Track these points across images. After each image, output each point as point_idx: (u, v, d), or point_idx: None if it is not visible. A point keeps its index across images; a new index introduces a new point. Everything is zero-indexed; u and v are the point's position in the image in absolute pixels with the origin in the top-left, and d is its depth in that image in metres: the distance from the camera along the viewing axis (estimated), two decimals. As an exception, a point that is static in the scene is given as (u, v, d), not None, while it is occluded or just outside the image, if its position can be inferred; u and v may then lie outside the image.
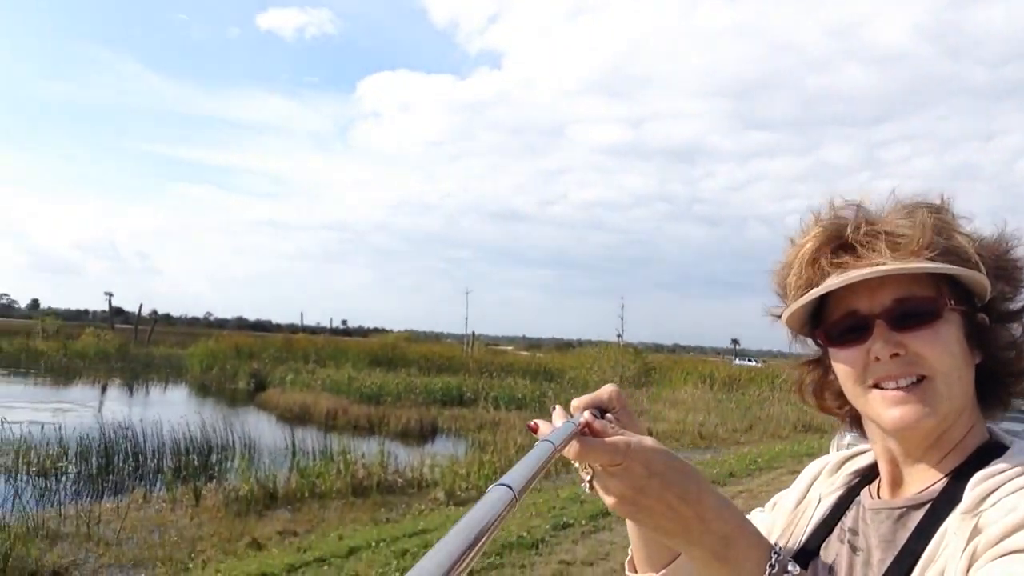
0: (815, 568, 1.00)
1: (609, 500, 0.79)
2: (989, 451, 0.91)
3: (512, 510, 0.60)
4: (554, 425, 0.80)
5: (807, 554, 1.02)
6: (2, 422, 13.04)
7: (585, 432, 0.78)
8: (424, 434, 17.88)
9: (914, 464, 0.95)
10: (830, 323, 0.96)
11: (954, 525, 0.84)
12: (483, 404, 22.02)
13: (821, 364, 1.03)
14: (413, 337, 52.43)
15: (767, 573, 0.78)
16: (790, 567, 0.79)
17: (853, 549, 0.97)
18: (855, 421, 1.03)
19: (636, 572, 1.04)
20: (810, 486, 1.12)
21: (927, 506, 0.90)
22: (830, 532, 1.02)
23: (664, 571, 1.00)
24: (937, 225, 0.91)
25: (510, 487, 0.61)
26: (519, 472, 0.64)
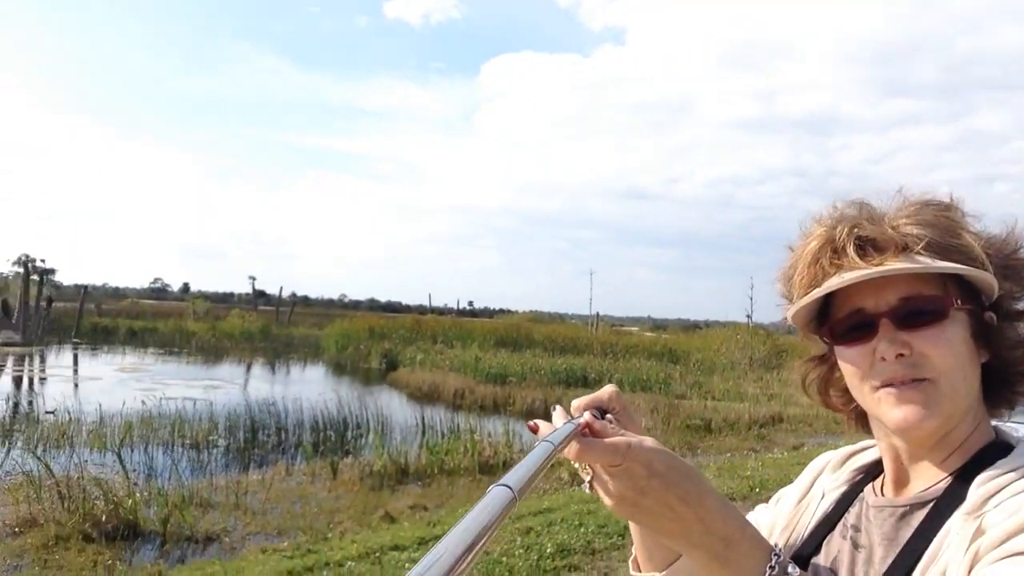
0: (817, 564, 1.00)
1: (609, 501, 0.78)
2: (994, 450, 0.91)
3: (512, 510, 0.60)
4: (555, 425, 0.80)
5: (810, 550, 1.02)
6: (160, 398, 14.12)
7: (585, 433, 0.78)
8: (549, 415, 18.00)
9: (918, 462, 0.95)
10: (836, 321, 0.95)
11: (957, 526, 0.83)
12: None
13: (827, 361, 1.03)
14: (537, 318, 52.84)
15: (767, 575, 0.76)
16: (790, 569, 0.77)
17: (855, 546, 0.97)
18: (861, 418, 1.03)
19: (640, 571, 1.04)
20: (814, 481, 1.12)
21: (930, 505, 0.90)
22: (833, 528, 1.02)
23: (666, 571, 1.00)
24: (944, 224, 0.91)
25: (510, 487, 0.60)
26: (519, 472, 0.64)
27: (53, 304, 36.45)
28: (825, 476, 1.11)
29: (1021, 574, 0.72)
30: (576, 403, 0.92)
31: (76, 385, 20.23)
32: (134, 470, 9.37)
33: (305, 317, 54.57)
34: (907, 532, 0.90)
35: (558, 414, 0.87)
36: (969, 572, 0.77)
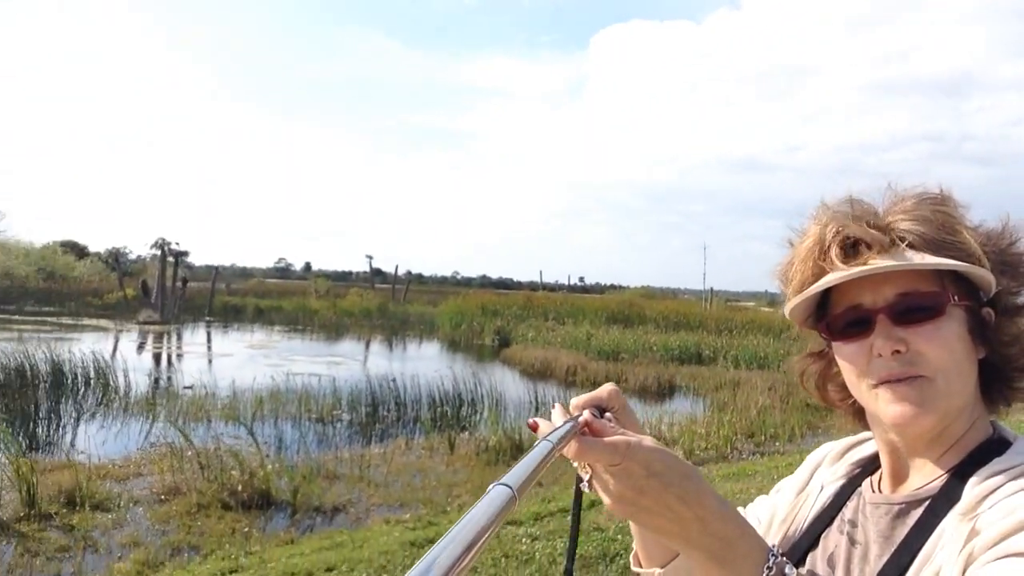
0: (814, 558, 1.00)
1: (608, 500, 0.78)
2: (991, 447, 0.91)
3: (511, 509, 0.60)
4: (554, 424, 0.79)
5: (807, 544, 1.03)
6: (287, 374, 14.83)
7: (585, 431, 0.78)
8: (662, 392, 17.86)
9: (915, 458, 0.96)
10: (833, 317, 0.96)
11: (952, 525, 0.83)
12: (722, 363, 21.54)
13: (824, 357, 1.04)
14: (649, 294, 52.22)
15: (765, 575, 0.76)
16: (787, 569, 0.77)
17: (852, 542, 0.97)
18: (858, 413, 1.03)
19: (641, 567, 1.05)
20: (813, 473, 1.12)
21: (926, 503, 0.90)
22: (831, 522, 1.02)
23: (667, 567, 1.01)
24: (939, 219, 0.91)
25: (510, 487, 0.61)
26: (519, 472, 0.64)
27: (188, 284, 38.66)
28: (824, 468, 1.11)
29: (1015, 575, 0.72)
30: (575, 401, 0.92)
31: (210, 361, 21.46)
32: (265, 443, 9.88)
33: (419, 295, 55.84)
34: (903, 530, 0.90)
35: (557, 412, 0.86)
36: (963, 573, 0.77)
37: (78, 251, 61.48)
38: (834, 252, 0.91)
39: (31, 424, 10.99)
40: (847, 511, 1.01)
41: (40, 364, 14.12)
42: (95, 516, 7.05)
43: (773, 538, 1.07)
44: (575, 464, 0.80)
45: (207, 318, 36.66)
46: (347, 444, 10.83)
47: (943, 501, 0.88)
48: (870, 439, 1.05)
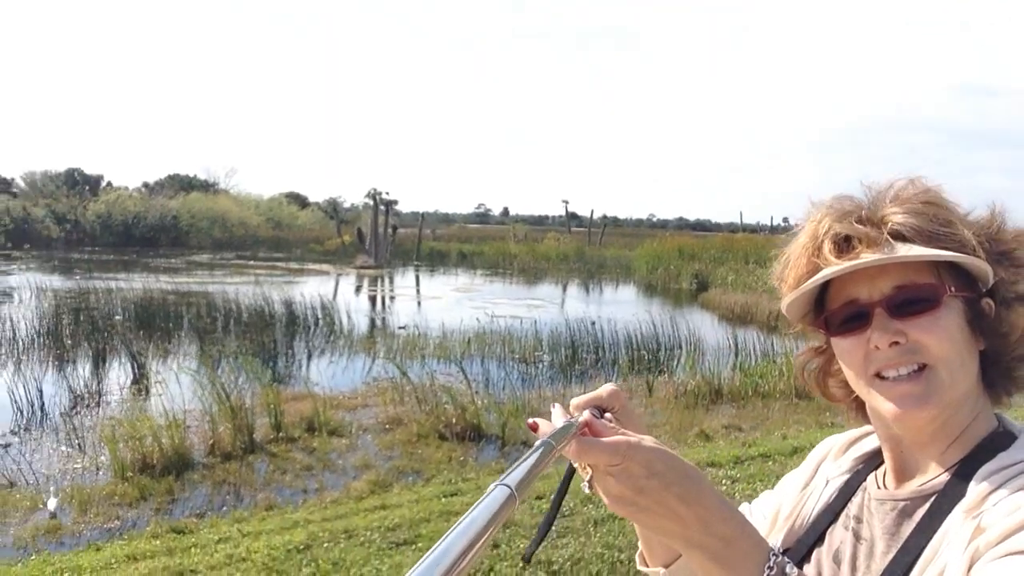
0: (820, 555, 1.00)
1: (608, 500, 0.78)
2: (996, 441, 0.90)
3: (511, 509, 0.61)
4: (554, 424, 0.79)
5: (813, 539, 1.02)
6: (492, 316, 15.57)
7: (585, 432, 0.78)
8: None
9: (918, 452, 0.95)
10: (830, 312, 0.96)
11: (956, 523, 0.83)
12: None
13: (824, 353, 1.03)
14: (861, 235, 48.91)
15: (766, 574, 0.77)
16: (788, 569, 0.78)
17: (857, 538, 0.97)
18: (860, 409, 1.02)
19: (647, 566, 1.05)
20: (817, 468, 1.11)
21: (931, 500, 0.90)
22: (836, 518, 1.02)
23: (672, 566, 1.01)
24: (932, 211, 0.91)
25: (510, 487, 0.61)
26: (519, 472, 0.64)
27: (397, 231, 41.06)
28: (828, 463, 1.10)
29: (1019, 573, 0.72)
30: (575, 402, 0.91)
31: (418, 303, 22.83)
32: (474, 380, 10.54)
33: (615, 238, 55.77)
34: (908, 527, 0.90)
35: (557, 412, 0.85)
36: (968, 570, 0.77)
37: (300, 201, 66.83)
38: (827, 248, 0.92)
39: (272, 358, 12.35)
40: (852, 507, 1.01)
41: (275, 305, 15.73)
42: (331, 441, 7.92)
43: (778, 534, 1.06)
44: (576, 465, 0.80)
45: (415, 262, 38.81)
46: (549, 383, 11.29)
47: (948, 497, 0.87)
48: (873, 432, 1.04)
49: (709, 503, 0.76)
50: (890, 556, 0.90)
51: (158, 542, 5.05)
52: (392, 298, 24.90)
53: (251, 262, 36.30)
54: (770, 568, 0.76)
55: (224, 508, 6.12)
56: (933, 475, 0.92)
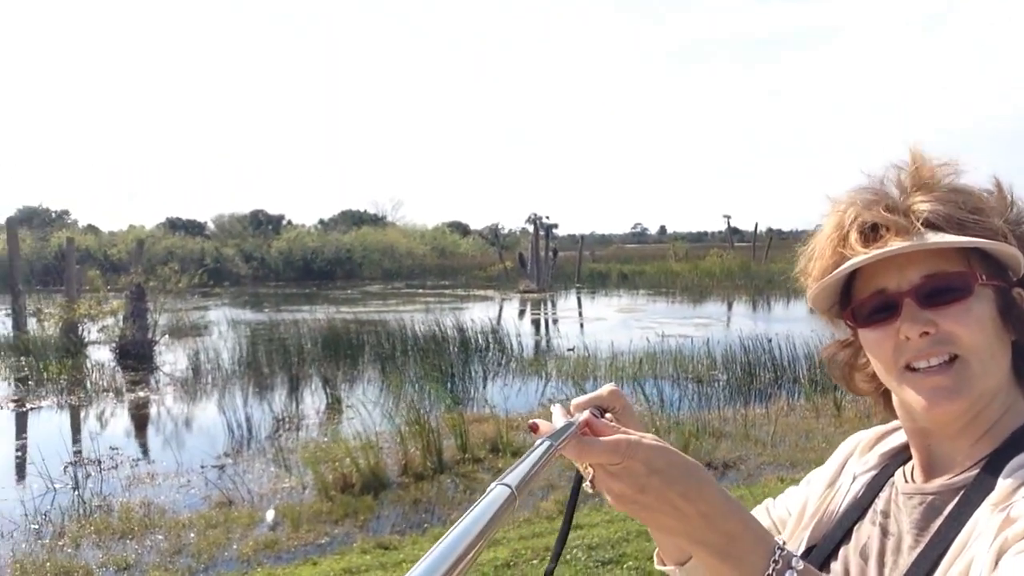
0: (847, 551, 0.98)
1: (611, 499, 0.77)
2: None
3: (512, 509, 0.60)
4: (554, 425, 0.79)
5: (840, 536, 1.00)
6: (661, 336, 15.40)
7: (585, 431, 0.77)
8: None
9: (947, 446, 0.92)
10: (858, 303, 0.93)
11: (985, 516, 0.81)
12: None
13: (851, 346, 1.01)
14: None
15: (771, 570, 0.75)
16: (793, 562, 0.76)
17: (884, 533, 0.95)
18: (888, 403, 1.00)
19: (664, 564, 1.03)
20: (844, 464, 1.09)
21: (960, 493, 0.87)
22: (863, 514, 0.99)
23: (687, 564, 0.99)
24: (961, 198, 0.88)
25: (510, 486, 0.61)
26: (519, 472, 0.64)
27: (558, 254, 41.49)
28: (855, 459, 1.08)
29: None
30: (575, 402, 0.91)
31: (582, 325, 22.89)
32: (648, 400, 10.46)
33: (781, 251, 53.57)
34: (937, 521, 0.88)
35: (557, 412, 0.85)
36: (996, 563, 0.75)
37: (462, 230, 68.97)
38: (853, 237, 0.90)
39: (449, 381, 12.79)
40: (879, 502, 0.99)
41: (447, 330, 16.29)
42: (514, 462, 8.08)
43: (804, 530, 1.05)
44: (577, 465, 0.80)
45: (576, 285, 39.03)
46: (727, 403, 11.01)
47: (977, 491, 0.85)
48: (901, 428, 1.01)
49: (712, 499, 0.75)
50: (918, 551, 0.88)
51: (368, 557, 5.35)
52: (556, 320, 25.14)
53: (420, 290, 37.80)
54: (775, 562, 0.75)
55: (425, 526, 6.39)
56: (962, 469, 0.90)
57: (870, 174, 0.95)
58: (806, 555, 1.01)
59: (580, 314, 27.07)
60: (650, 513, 0.76)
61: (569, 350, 15.70)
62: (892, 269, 0.89)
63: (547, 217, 43.10)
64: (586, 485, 0.78)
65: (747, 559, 0.75)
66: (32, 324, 19.04)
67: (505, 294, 34.25)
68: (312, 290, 38.90)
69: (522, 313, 27.42)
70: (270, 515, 6.64)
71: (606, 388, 0.94)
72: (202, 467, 8.37)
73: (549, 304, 30.75)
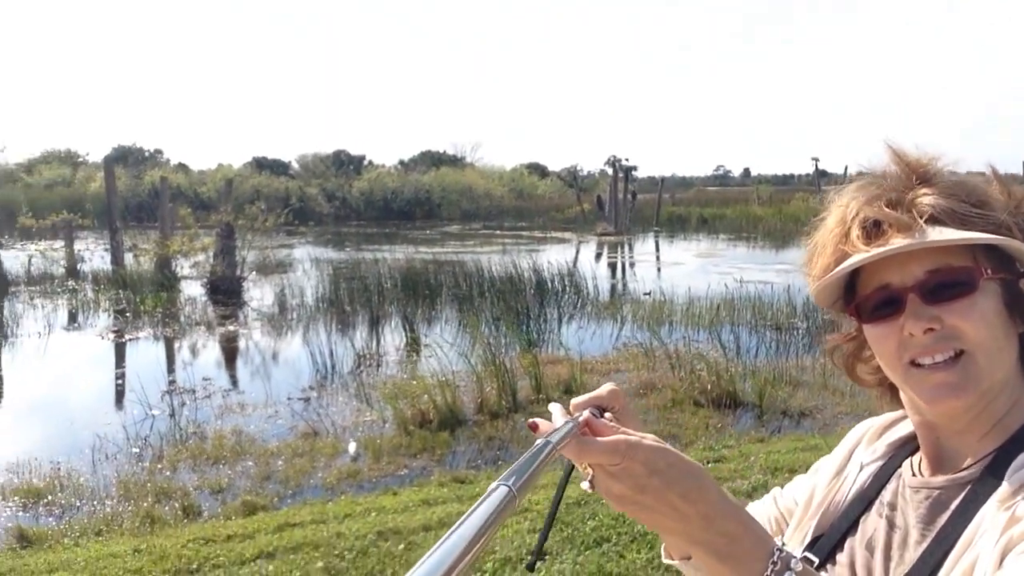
0: (852, 543, 0.98)
1: (611, 500, 0.77)
2: None
3: (512, 509, 0.61)
4: (554, 424, 0.78)
5: (846, 527, 1.00)
6: (740, 281, 15.17)
7: (584, 431, 0.77)
8: None
9: (955, 440, 0.92)
10: (862, 299, 0.93)
11: (991, 513, 0.81)
12: None
13: (855, 339, 1.00)
14: None
15: (769, 571, 0.74)
16: (792, 564, 0.75)
17: (891, 526, 0.95)
18: (893, 393, 0.99)
19: (672, 558, 1.02)
20: (851, 453, 1.09)
21: (967, 488, 0.87)
22: (870, 505, 0.99)
23: (695, 559, 0.94)
24: (964, 192, 0.88)
25: (509, 486, 0.61)
26: (519, 472, 0.64)
27: (636, 197, 40.97)
28: (862, 448, 1.08)
29: None
30: (575, 402, 0.90)
31: (659, 270, 22.70)
32: (724, 347, 10.39)
33: (871, 197, 51.65)
34: (943, 516, 0.88)
35: (557, 412, 0.84)
36: (1000, 562, 0.75)
37: (540, 171, 68.54)
38: (855, 234, 0.89)
39: (524, 323, 12.93)
40: (887, 494, 0.98)
41: (524, 272, 16.39)
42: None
43: (811, 520, 1.05)
44: (577, 465, 0.79)
45: (655, 228, 38.56)
46: (806, 352, 10.83)
47: (984, 487, 0.85)
48: (908, 417, 0.99)
49: (712, 500, 0.75)
50: (924, 546, 0.88)
51: (445, 490, 5.57)
52: (633, 264, 24.98)
53: (497, 232, 37.96)
54: (774, 563, 0.75)
55: (499, 462, 6.58)
56: (970, 462, 0.90)
57: (870, 168, 0.95)
58: (812, 545, 1.03)
59: (657, 258, 26.81)
60: (650, 514, 0.76)
61: (645, 294, 15.65)
62: (895, 264, 0.89)
63: (626, 159, 42.51)
64: (585, 485, 0.78)
65: (746, 560, 0.75)
66: (129, 259, 20.00)
67: (582, 237, 34.10)
68: (392, 230, 39.50)
69: (599, 256, 27.29)
70: (352, 447, 6.95)
71: (606, 388, 0.94)
72: (288, 399, 8.77)
73: (626, 247, 30.50)
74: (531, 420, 0.79)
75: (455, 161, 65.83)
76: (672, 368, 8.89)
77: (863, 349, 1.00)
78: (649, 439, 0.76)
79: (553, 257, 19.72)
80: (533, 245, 29.47)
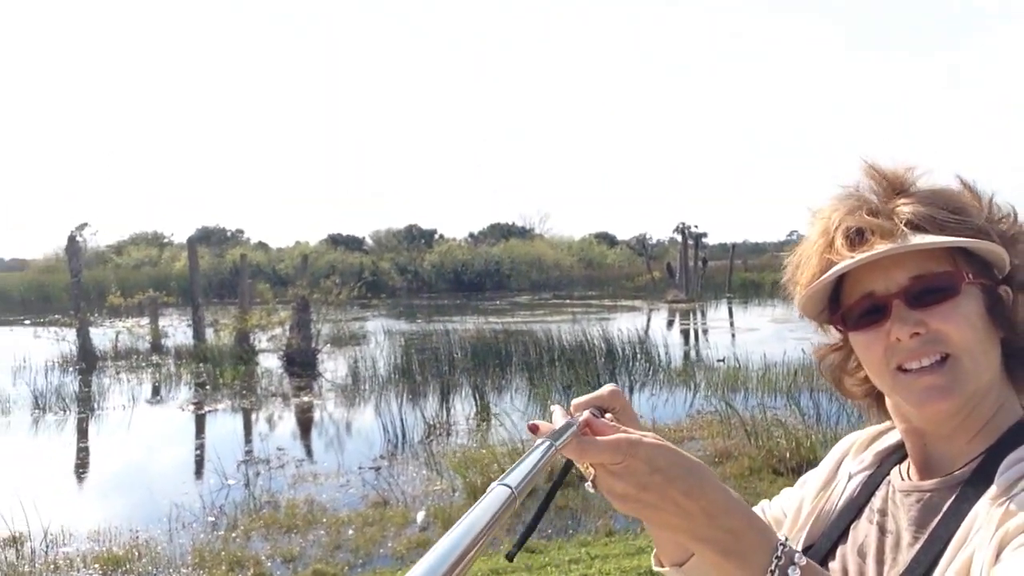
0: (844, 550, 0.98)
1: (613, 499, 0.76)
2: (1022, 431, 0.88)
3: (511, 509, 0.60)
4: (554, 425, 0.78)
5: (836, 535, 1.00)
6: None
7: (585, 431, 0.77)
8: None
9: (943, 445, 0.93)
10: (847, 307, 0.94)
11: (983, 511, 0.81)
12: None
13: (841, 350, 1.01)
14: None
15: (773, 566, 0.74)
16: (796, 558, 0.75)
17: (882, 531, 0.95)
18: (880, 406, 1.00)
19: (663, 566, 1.02)
20: (839, 464, 1.09)
21: (957, 489, 0.88)
22: (859, 513, 0.99)
23: (686, 565, 0.99)
24: (943, 200, 0.90)
25: (510, 487, 0.61)
26: (519, 472, 0.64)
27: (707, 264, 40.62)
28: (850, 459, 1.08)
29: None
30: (576, 402, 0.90)
31: (733, 336, 22.27)
32: (803, 413, 10.05)
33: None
34: (934, 517, 0.88)
35: (558, 413, 0.84)
36: (996, 558, 0.76)
37: (609, 240, 68.74)
38: (839, 242, 0.90)
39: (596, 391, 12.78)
40: (876, 500, 0.98)
41: (594, 340, 16.29)
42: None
43: (801, 531, 1.05)
44: (579, 465, 0.79)
45: (727, 294, 38.08)
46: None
47: (975, 486, 0.86)
48: (895, 428, 1.00)
49: (714, 497, 0.75)
50: (916, 548, 0.88)
51: (515, 560, 5.46)
52: (706, 331, 24.58)
53: (567, 301, 37.98)
54: (778, 559, 0.75)
55: (570, 532, 6.43)
56: (959, 465, 0.90)
57: (845, 184, 0.97)
58: (803, 554, 1.05)
59: (731, 324, 26.37)
60: (653, 512, 0.76)
61: (719, 361, 15.33)
62: (879, 272, 0.91)
63: (696, 226, 42.22)
64: (587, 485, 0.79)
65: (750, 555, 0.75)
66: (209, 334, 20.66)
67: (653, 304, 33.84)
68: (462, 301, 39.92)
69: (670, 323, 26.99)
70: (421, 516, 6.91)
71: (606, 388, 0.95)
72: (360, 468, 8.81)
73: (698, 314, 30.10)
74: (531, 422, 0.79)
75: (524, 232, 66.58)
76: (748, 436, 8.62)
77: (849, 360, 1.02)
78: (650, 437, 0.76)
79: (623, 325, 19.56)
80: (603, 313, 29.34)
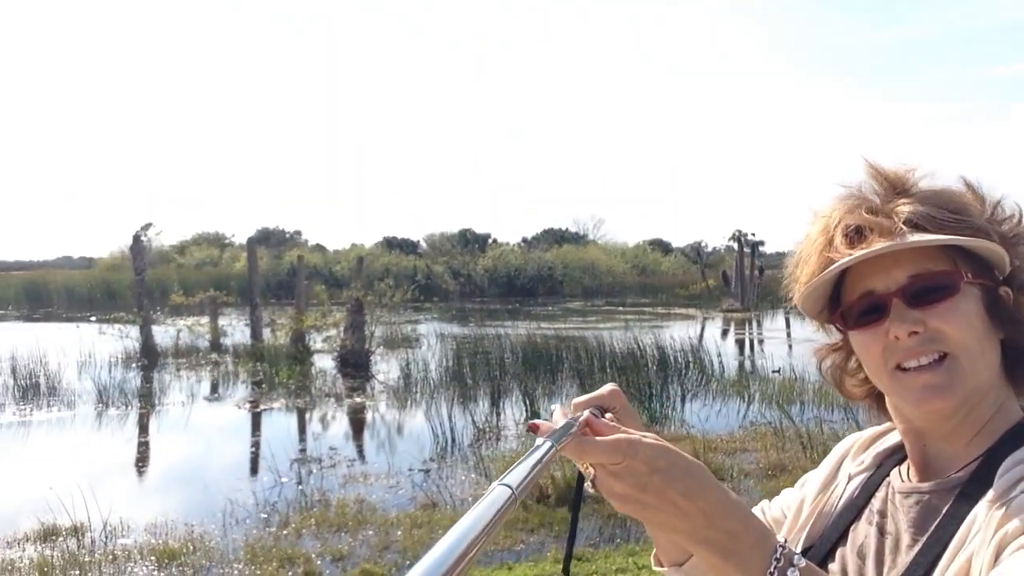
0: (843, 552, 0.98)
1: (613, 499, 0.76)
2: (1021, 432, 0.88)
3: (511, 509, 0.60)
4: (554, 425, 0.77)
5: (836, 536, 0.99)
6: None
7: (585, 431, 0.77)
8: None
9: (942, 446, 0.92)
10: (846, 306, 0.94)
11: (983, 513, 0.81)
12: None
13: (841, 349, 1.02)
14: None
15: (772, 567, 0.74)
16: (795, 560, 0.75)
17: (881, 532, 0.95)
18: (880, 406, 1.00)
19: (662, 566, 1.02)
20: (839, 465, 1.09)
21: (957, 491, 0.87)
22: (859, 514, 0.99)
23: (686, 565, 0.98)
24: (943, 199, 0.89)
25: (510, 487, 0.60)
26: (519, 472, 0.63)
27: (764, 272, 39.93)
28: (849, 460, 1.08)
29: None
30: (576, 401, 0.90)
31: (790, 347, 21.85)
32: (861, 427, 9.78)
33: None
34: (934, 519, 0.88)
35: (558, 413, 0.84)
36: (995, 560, 0.76)
37: (663, 248, 68.10)
38: (839, 240, 0.91)
39: (647, 399, 12.68)
40: (876, 502, 0.99)
41: (646, 348, 16.15)
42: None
43: (801, 532, 1.05)
44: (579, 465, 0.79)
45: (784, 304, 37.20)
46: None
47: (975, 487, 0.85)
48: (895, 429, 1.01)
49: (713, 497, 0.75)
50: (916, 549, 0.88)
51: (560, 567, 5.43)
52: (761, 341, 24.21)
53: (620, 308, 37.75)
54: (777, 560, 0.75)
55: (617, 541, 6.38)
56: (959, 466, 0.90)
57: (846, 184, 0.98)
58: (803, 555, 1.06)
59: (788, 335, 25.86)
60: (652, 512, 0.76)
61: (775, 371, 15.06)
62: (879, 271, 0.91)
63: (752, 234, 41.28)
64: (587, 485, 0.79)
65: (749, 557, 0.76)
66: (266, 334, 21.05)
67: (707, 313, 33.41)
68: (515, 306, 39.98)
69: (725, 333, 26.62)
70: (467, 519, 6.91)
71: (606, 388, 0.95)
72: (410, 470, 8.88)
73: (754, 324, 29.63)
74: (531, 421, 0.79)
75: (577, 238, 66.41)
76: (804, 448, 8.45)
77: (849, 360, 1.02)
78: (650, 437, 0.77)
79: (677, 333, 19.34)
80: (656, 321, 29.06)
